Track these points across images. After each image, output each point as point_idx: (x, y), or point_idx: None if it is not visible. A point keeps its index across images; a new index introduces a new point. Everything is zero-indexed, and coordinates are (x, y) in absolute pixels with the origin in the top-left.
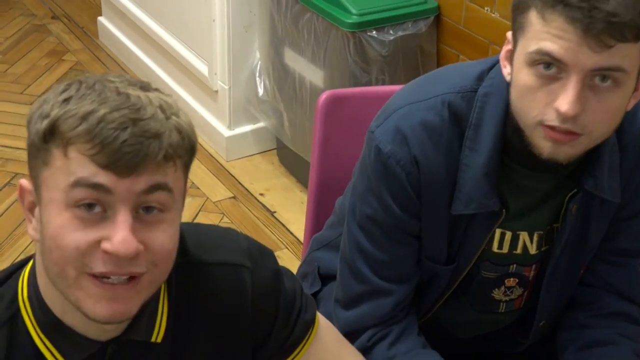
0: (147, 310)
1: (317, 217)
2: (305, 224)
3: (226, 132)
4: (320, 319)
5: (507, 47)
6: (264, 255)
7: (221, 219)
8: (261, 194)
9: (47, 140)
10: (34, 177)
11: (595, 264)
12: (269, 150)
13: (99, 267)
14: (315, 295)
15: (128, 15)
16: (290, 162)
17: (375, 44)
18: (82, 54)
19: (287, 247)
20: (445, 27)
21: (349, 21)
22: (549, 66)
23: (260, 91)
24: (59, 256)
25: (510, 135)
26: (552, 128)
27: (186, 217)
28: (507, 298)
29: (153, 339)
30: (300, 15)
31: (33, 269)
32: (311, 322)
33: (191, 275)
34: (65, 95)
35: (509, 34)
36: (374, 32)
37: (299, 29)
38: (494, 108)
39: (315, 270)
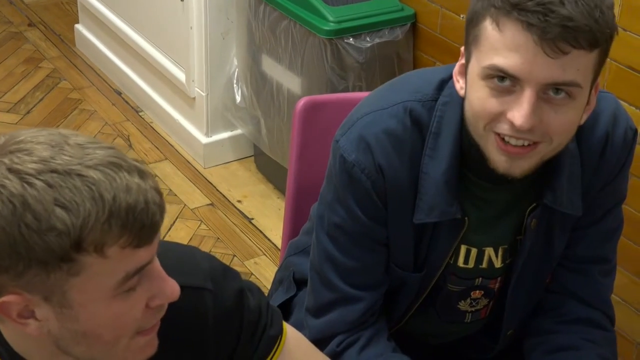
0: None
1: (295, 223)
2: (283, 230)
3: (203, 139)
4: (289, 331)
5: (461, 61)
6: (226, 275)
7: (199, 226)
8: (239, 201)
9: (70, 254)
10: (44, 289)
11: (557, 271)
12: (246, 157)
13: (152, 322)
14: (290, 300)
15: (105, 23)
16: (268, 169)
17: (352, 50)
18: (59, 61)
19: (264, 254)
20: (422, 34)
21: (326, 28)
22: (502, 79)
23: (238, 98)
24: (113, 337)
25: (467, 148)
26: (505, 141)
27: (164, 224)
28: (472, 309)
29: None
30: (277, 22)
31: None
32: (277, 337)
33: None
34: (48, 199)
35: (463, 49)
36: (351, 39)
37: (277, 36)
38: (451, 118)
39: (290, 276)
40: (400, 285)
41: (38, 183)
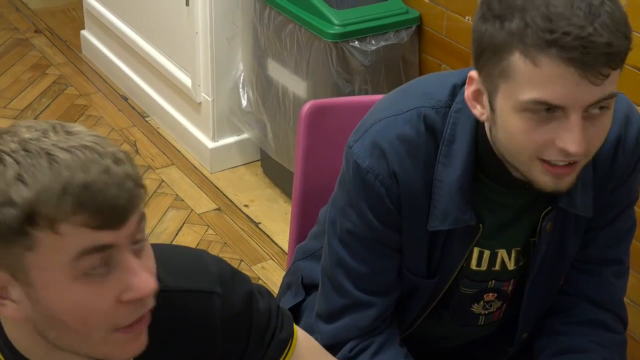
0: None
1: (302, 227)
2: (290, 234)
3: (210, 144)
4: (300, 334)
5: (473, 87)
6: (236, 279)
7: (206, 231)
8: (245, 205)
9: (24, 227)
10: (9, 265)
11: (569, 273)
12: (253, 162)
13: (128, 319)
14: (299, 305)
15: (111, 29)
16: (275, 173)
17: (357, 54)
18: (65, 67)
19: (272, 258)
20: (427, 37)
21: (331, 32)
22: (548, 110)
23: (244, 103)
24: (83, 327)
25: (484, 153)
26: (551, 164)
27: (171, 229)
28: (486, 312)
29: None
30: (282, 26)
31: None
32: (287, 341)
33: (159, 302)
34: (11, 173)
35: (474, 74)
36: (357, 43)
37: (282, 40)
38: (465, 125)
39: (299, 280)
40: (413, 290)
41: (8, 160)
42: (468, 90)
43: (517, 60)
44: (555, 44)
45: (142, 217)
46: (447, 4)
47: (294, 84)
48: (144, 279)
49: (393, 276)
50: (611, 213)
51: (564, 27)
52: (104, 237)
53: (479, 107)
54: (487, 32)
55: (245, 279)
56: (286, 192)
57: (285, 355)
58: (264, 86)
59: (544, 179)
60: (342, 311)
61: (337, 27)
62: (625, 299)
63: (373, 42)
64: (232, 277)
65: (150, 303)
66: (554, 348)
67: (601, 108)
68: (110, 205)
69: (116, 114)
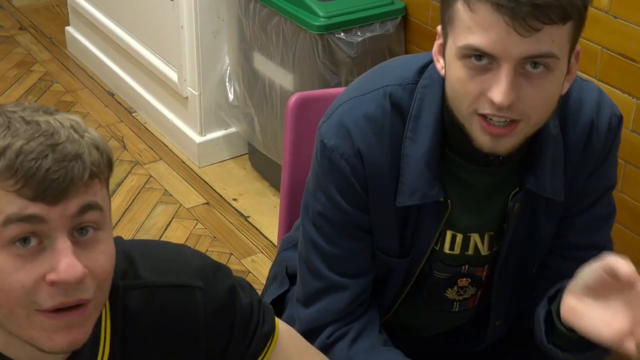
0: (90, 336)
1: (290, 219)
2: (278, 226)
3: (197, 139)
4: (282, 327)
5: (439, 41)
6: (218, 273)
7: (195, 225)
8: (234, 199)
9: None
10: None
11: (550, 260)
12: (241, 155)
13: (48, 302)
14: (284, 295)
15: (96, 24)
16: (263, 166)
17: (343, 45)
18: (51, 64)
19: (261, 251)
20: (413, 28)
21: (317, 24)
22: (479, 58)
23: (231, 96)
24: (4, 300)
25: (449, 127)
26: (487, 119)
27: (160, 224)
28: (460, 297)
29: None
30: (268, 19)
31: None
32: (269, 334)
33: (141, 298)
34: None
35: (439, 28)
36: (342, 34)
37: (268, 33)
38: (432, 99)
39: (284, 271)
40: (387, 272)
41: None
42: (435, 45)
43: (459, 7)
44: None
45: (91, 206)
46: None
47: (280, 77)
48: (69, 264)
49: (367, 258)
50: (588, 199)
51: None
52: (35, 208)
53: (441, 60)
54: None
55: (227, 273)
56: (275, 185)
57: (268, 349)
58: (250, 79)
59: (483, 138)
60: (318, 294)
61: (322, 19)
62: None
63: (359, 33)
64: (214, 272)
65: (82, 295)
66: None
67: (536, 65)
68: (41, 176)
69: (103, 110)
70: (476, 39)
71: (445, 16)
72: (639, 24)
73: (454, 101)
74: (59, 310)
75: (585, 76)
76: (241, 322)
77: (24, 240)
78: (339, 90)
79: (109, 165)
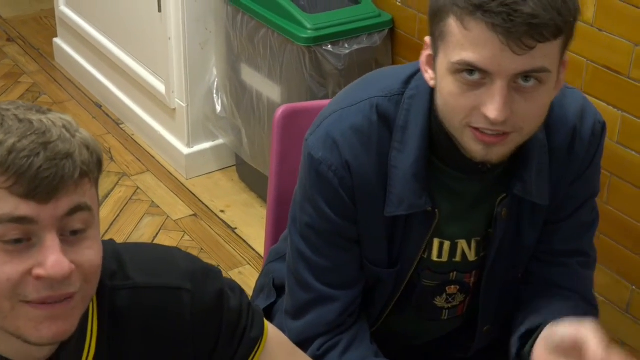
0: (76, 332)
1: (277, 231)
2: (265, 238)
3: (185, 150)
4: (271, 332)
5: (427, 52)
6: (207, 275)
7: (182, 237)
8: (222, 211)
9: None
10: None
11: (535, 266)
12: (228, 167)
13: (33, 295)
14: (271, 307)
15: (83, 36)
16: (250, 178)
17: (330, 58)
18: (39, 75)
19: (248, 263)
20: (400, 40)
21: (304, 36)
22: (472, 73)
23: (218, 108)
24: None
25: (437, 137)
26: (480, 131)
27: (147, 236)
28: (449, 305)
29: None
30: (255, 31)
31: None
32: (258, 339)
33: (129, 299)
34: None
35: (428, 39)
36: (329, 46)
37: (255, 45)
38: (419, 110)
39: (270, 282)
40: (376, 282)
41: None
42: (423, 56)
43: (452, 23)
44: (480, 9)
45: (81, 207)
46: (418, 7)
47: (268, 89)
48: (57, 260)
49: (355, 269)
50: (571, 205)
51: None
52: (25, 208)
53: (430, 71)
54: None
55: (217, 276)
56: (262, 196)
57: (256, 353)
58: (238, 91)
59: (475, 147)
60: (308, 306)
61: (309, 32)
62: (600, 297)
63: (346, 45)
64: (203, 274)
65: (68, 289)
66: (524, 313)
67: (528, 79)
68: (33, 174)
69: (90, 122)
70: (470, 55)
71: (436, 30)
72: (624, 36)
73: (446, 114)
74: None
75: None
76: (229, 325)
77: (15, 240)
78: (326, 102)
79: (99, 165)
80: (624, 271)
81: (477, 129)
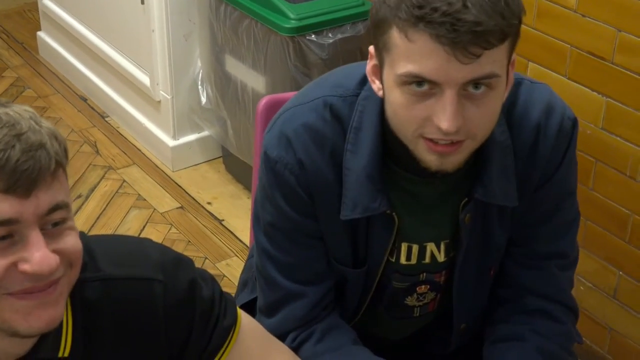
0: None
1: None
2: (251, 230)
3: (171, 142)
4: (244, 320)
5: (372, 62)
6: (179, 266)
7: (169, 230)
8: (209, 203)
9: None
10: None
11: (511, 269)
12: (215, 159)
13: (17, 286)
14: (254, 301)
15: (67, 29)
16: (237, 169)
17: (314, 47)
18: (23, 69)
19: (236, 255)
20: None
21: (288, 26)
22: (420, 84)
23: (203, 100)
24: None
25: (391, 143)
26: (434, 142)
27: (134, 229)
28: (420, 303)
29: (60, 354)
30: (239, 22)
31: None
32: (231, 327)
33: (100, 290)
34: None
35: (372, 49)
36: (313, 36)
37: (239, 36)
38: (373, 112)
39: (253, 277)
40: (344, 280)
41: None
42: (368, 66)
43: (395, 34)
44: (423, 20)
45: (60, 206)
46: None
47: (252, 80)
48: (43, 256)
49: (322, 264)
50: (547, 206)
51: (433, 3)
52: (7, 209)
53: (377, 82)
54: (375, 6)
55: (188, 265)
56: (249, 188)
57: (229, 343)
58: (222, 82)
59: (429, 157)
60: (278, 304)
61: (293, 21)
62: (587, 283)
63: (330, 35)
64: (174, 265)
65: (52, 277)
66: (494, 336)
67: (479, 86)
68: (11, 167)
69: (75, 115)
70: (416, 67)
71: (380, 42)
72: (607, 22)
73: (397, 125)
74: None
75: (555, 75)
76: (202, 315)
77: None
78: None
79: (67, 154)
80: (610, 257)
81: (430, 139)
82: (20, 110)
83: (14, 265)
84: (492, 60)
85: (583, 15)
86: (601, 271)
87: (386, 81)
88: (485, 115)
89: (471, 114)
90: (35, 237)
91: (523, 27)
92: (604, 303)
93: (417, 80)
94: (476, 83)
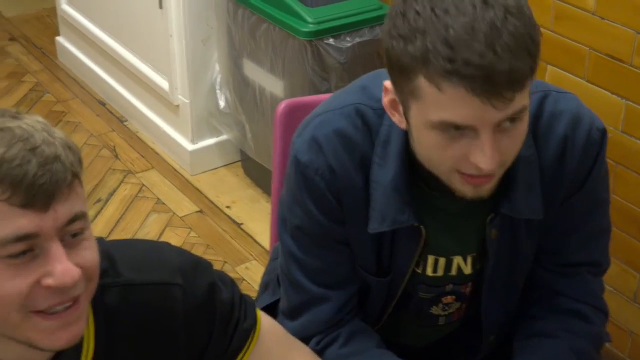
0: None
1: None
2: (270, 234)
3: (189, 147)
4: (264, 322)
5: (389, 96)
6: (197, 269)
7: (188, 234)
8: (227, 207)
9: None
10: None
11: (542, 275)
12: (233, 163)
13: (43, 304)
14: (276, 303)
15: (86, 34)
16: (255, 173)
17: (332, 51)
18: (42, 74)
19: (255, 259)
20: None
21: (306, 30)
22: (457, 128)
23: (222, 104)
24: (0, 306)
25: (417, 165)
26: (470, 176)
27: (153, 233)
28: (445, 312)
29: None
30: (257, 26)
31: None
32: (251, 329)
33: (120, 296)
34: None
35: (389, 84)
36: (331, 40)
37: (257, 40)
38: (399, 131)
39: (275, 279)
40: (367, 288)
41: None
42: (385, 99)
43: (423, 84)
44: (456, 74)
45: (78, 216)
46: None
47: (270, 84)
48: (66, 268)
49: (348, 269)
50: (577, 216)
51: (464, 55)
52: (28, 223)
53: (397, 115)
54: (394, 50)
55: (207, 269)
56: (268, 191)
57: (249, 345)
58: (240, 86)
59: (464, 188)
60: (302, 307)
61: (311, 25)
62: (608, 287)
63: (348, 38)
64: (193, 268)
65: (75, 292)
66: (525, 331)
67: (513, 120)
68: (29, 182)
69: (94, 120)
70: (449, 115)
71: (404, 87)
72: (626, 24)
73: (429, 162)
74: (52, 310)
75: (573, 78)
76: (221, 318)
77: (21, 253)
78: (328, 96)
79: (81, 163)
80: (631, 260)
81: (464, 173)
82: (33, 122)
83: (37, 282)
84: (522, 96)
85: (601, 18)
86: (621, 274)
87: (414, 122)
88: (516, 144)
89: (505, 146)
90: (56, 249)
91: (541, 30)
92: (625, 306)
93: (453, 126)
94: (510, 119)
